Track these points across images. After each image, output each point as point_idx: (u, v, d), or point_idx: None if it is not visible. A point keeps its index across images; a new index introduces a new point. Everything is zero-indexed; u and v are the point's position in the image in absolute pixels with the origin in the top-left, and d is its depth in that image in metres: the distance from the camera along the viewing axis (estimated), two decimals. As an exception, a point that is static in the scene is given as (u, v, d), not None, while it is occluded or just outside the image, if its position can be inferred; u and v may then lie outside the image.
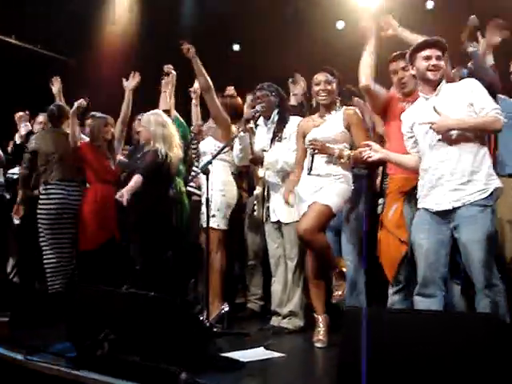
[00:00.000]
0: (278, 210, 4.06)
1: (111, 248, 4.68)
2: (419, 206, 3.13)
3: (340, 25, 7.47)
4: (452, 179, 2.97)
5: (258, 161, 4.21)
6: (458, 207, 2.95)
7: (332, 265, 3.64)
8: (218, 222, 4.23)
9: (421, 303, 3.04)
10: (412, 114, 3.18)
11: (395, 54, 3.57)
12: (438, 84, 3.07)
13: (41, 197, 4.71)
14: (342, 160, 3.59)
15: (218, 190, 4.19)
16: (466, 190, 2.95)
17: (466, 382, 2.08)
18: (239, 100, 4.71)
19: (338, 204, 3.59)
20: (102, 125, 4.86)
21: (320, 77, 3.74)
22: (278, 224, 4.11)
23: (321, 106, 3.79)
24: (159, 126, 4.50)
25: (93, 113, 5.08)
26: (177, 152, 4.54)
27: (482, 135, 3.03)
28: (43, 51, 7.78)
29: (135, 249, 4.52)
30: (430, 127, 2.98)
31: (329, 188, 3.59)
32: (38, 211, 4.67)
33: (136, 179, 4.26)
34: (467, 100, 3.00)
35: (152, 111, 4.69)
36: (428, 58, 3.04)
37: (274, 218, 4.11)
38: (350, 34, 6.83)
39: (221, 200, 4.25)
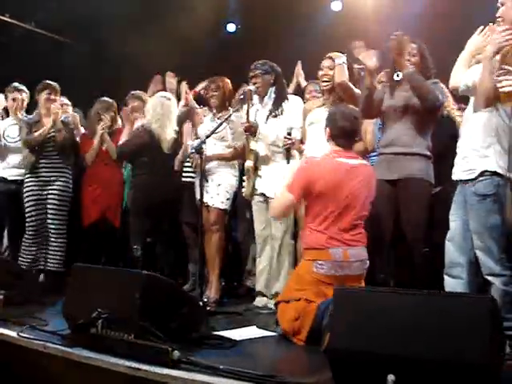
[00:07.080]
0: (265, 182, 4.14)
1: (102, 227, 4.74)
2: None
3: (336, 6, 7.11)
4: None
5: (252, 129, 4.20)
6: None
7: None
8: (222, 202, 4.35)
9: (447, 283, 3.03)
10: None
11: None
12: None
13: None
14: None
15: (226, 172, 4.40)
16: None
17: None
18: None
19: None
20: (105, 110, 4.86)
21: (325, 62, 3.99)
22: (265, 198, 4.17)
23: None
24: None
25: None
26: (166, 131, 4.59)
27: None
28: (41, 31, 7.62)
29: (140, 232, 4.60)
30: None
31: None
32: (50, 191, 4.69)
33: None
34: None
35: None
36: None
37: (260, 189, 4.19)
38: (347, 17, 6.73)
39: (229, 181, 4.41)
